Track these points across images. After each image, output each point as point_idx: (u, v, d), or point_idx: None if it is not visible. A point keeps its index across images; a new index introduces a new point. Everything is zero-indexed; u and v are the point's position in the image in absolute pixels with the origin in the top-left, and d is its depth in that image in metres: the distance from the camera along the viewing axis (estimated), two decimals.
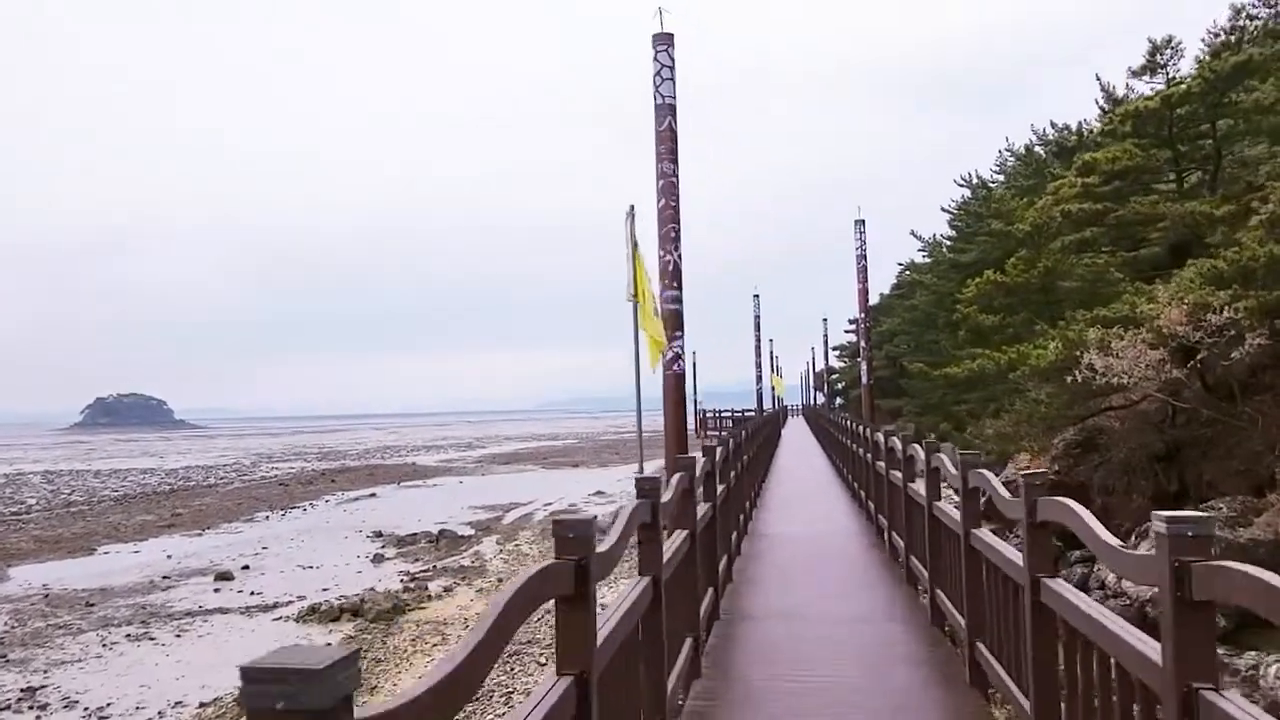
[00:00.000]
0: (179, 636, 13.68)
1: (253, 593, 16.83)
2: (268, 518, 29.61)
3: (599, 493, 31.88)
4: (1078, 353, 7.69)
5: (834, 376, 56.09)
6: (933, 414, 31.23)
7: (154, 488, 44.74)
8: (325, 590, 16.64)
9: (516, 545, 20.38)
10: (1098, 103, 19.84)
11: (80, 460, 75.38)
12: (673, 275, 6.93)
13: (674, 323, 6.87)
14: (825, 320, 40.47)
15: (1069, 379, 7.69)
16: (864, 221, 13.84)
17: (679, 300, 7.03)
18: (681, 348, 6.94)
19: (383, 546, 22.09)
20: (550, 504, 29.88)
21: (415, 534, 23.25)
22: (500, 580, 16.17)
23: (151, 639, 13.58)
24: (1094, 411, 8.80)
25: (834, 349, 48.08)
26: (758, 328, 24.09)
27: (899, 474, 8.21)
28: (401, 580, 17.10)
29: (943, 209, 36.91)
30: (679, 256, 6.92)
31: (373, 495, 35.97)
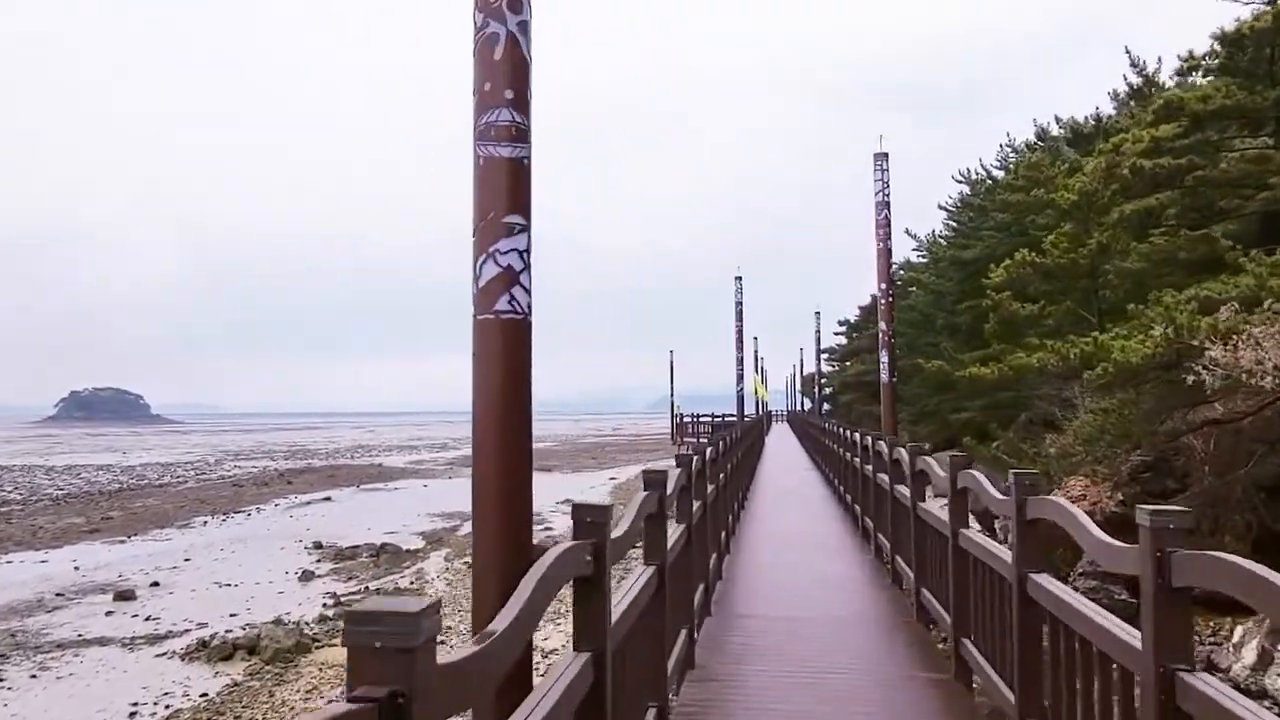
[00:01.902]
0: (35, 677, 11.33)
1: (149, 618, 14.47)
2: (206, 523, 27.20)
3: (567, 501, 29.60)
4: (1194, 342, 5.53)
5: (822, 380, 54.00)
6: (928, 422, 29.14)
7: (102, 486, 42.23)
8: (234, 616, 14.32)
9: (466, 563, 18.07)
10: (1125, 79, 17.81)
11: (40, 455, 72.55)
12: (512, 73, 2.59)
13: (509, 190, 2.64)
14: (818, 314, 37.34)
15: (1183, 379, 5.57)
16: (887, 155, 10.90)
17: (523, 136, 2.63)
18: (525, 254, 2.70)
19: (318, 560, 19.76)
20: None
21: (358, 546, 20.93)
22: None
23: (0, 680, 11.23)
24: (1196, 425, 6.65)
25: (823, 352, 45.89)
26: (739, 316, 21.11)
27: (975, 538, 5.08)
28: (324, 604, 14.81)
29: (940, 206, 34.90)
30: (522, 37, 2.56)
31: (327, 499, 33.58)
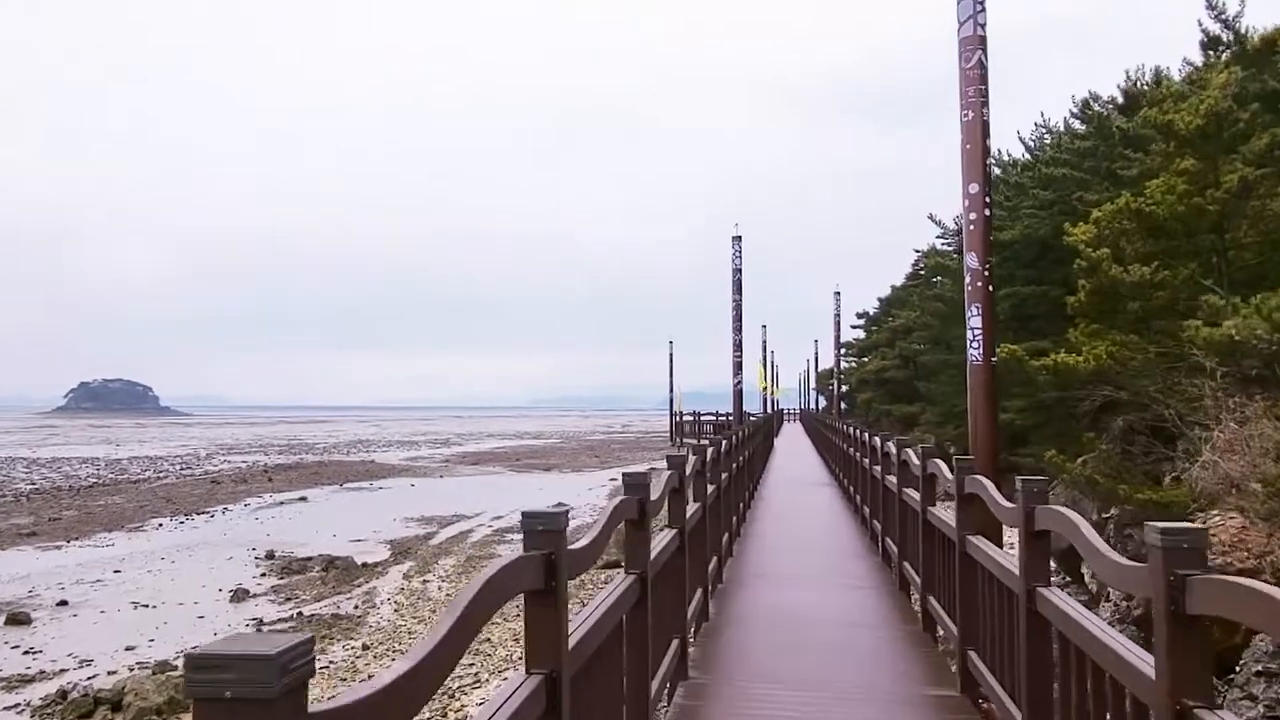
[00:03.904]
0: None
1: (30, 650, 12.07)
2: (160, 525, 24.86)
3: (559, 504, 27.13)
4: None
5: (839, 376, 50.89)
6: (955, 422, 26.48)
7: (78, 481, 40.11)
8: (131, 649, 11.94)
9: (425, 582, 15.61)
10: (1200, 24, 15.21)
11: (31, 447, 70.77)
12: None
13: None
14: (838, 294, 33.33)
15: None
16: None
17: None
18: None
19: (263, 574, 17.36)
20: (500, 517, 25.18)
21: (311, 558, 18.51)
22: (366, 647, 11.43)
23: None
24: None
25: (840, 346, 43.01)
26: (738, 287, 17.70)
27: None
28: None
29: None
30: None
31: (302, 499, 31.19)
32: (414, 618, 12.93)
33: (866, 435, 11.68)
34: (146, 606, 14.67)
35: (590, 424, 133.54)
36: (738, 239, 18.17)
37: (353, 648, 11.38)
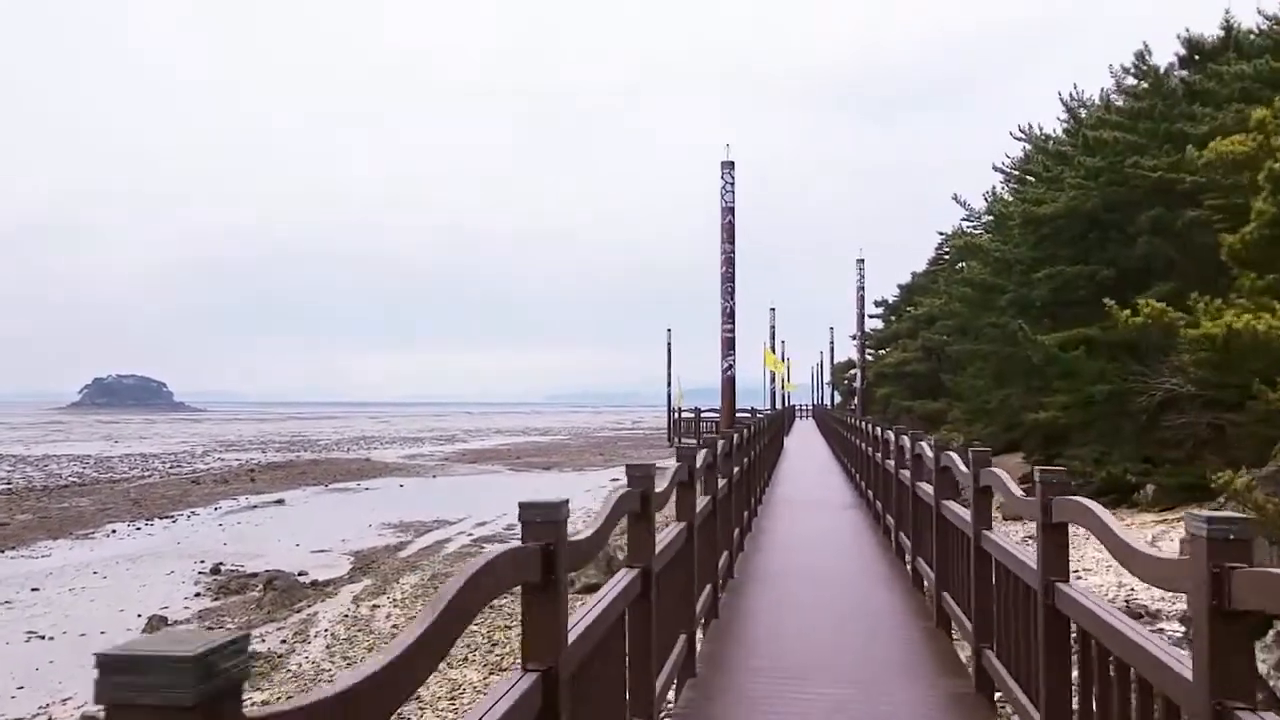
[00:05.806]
0: None
1: None
2: (114, 532, 22.80)
3: None
4: None
5: (851, 373, 48.26)
6: (985, 420, 24.07)
7: (57, 480, 38.20)
8: None
9: (375, 607, 13.34)
10: None
11: (29, 444, 69.25)
12: None
13: None
14: (861, 261, 29.30)
15: None
16: None
17: None
18: None
19: (198, 594, 15.22)
20: (484, 524, 23.04)
21: (259, 573, 16.31)
22: (264, 704, 9.17)
23: None
24: None
25: (853, 337, 40.57)
26: (729, 236, 13.43)
27: None
28: None
29: (995, 167, 29.87)
30: None
31: (278, 502, 29.06)
32: (344, 658, 10.68)
33: (923, 446, 7.48)
34: (43, 638, 12.51)
35: (601, 420, 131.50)
36: (729, 165, 14.04)
37: (253, 703, 9.12)
